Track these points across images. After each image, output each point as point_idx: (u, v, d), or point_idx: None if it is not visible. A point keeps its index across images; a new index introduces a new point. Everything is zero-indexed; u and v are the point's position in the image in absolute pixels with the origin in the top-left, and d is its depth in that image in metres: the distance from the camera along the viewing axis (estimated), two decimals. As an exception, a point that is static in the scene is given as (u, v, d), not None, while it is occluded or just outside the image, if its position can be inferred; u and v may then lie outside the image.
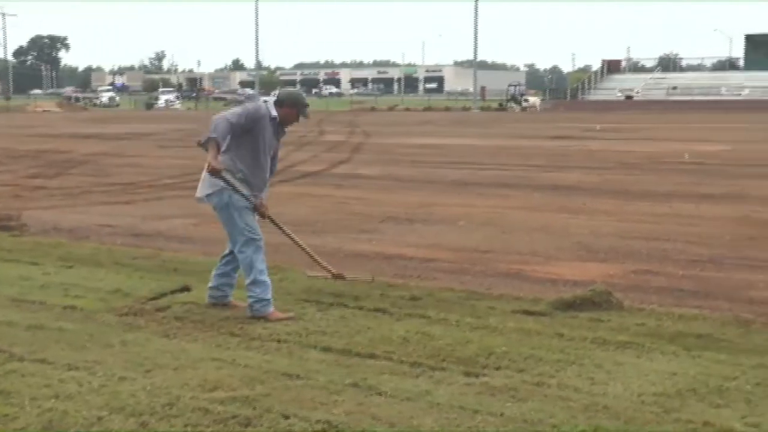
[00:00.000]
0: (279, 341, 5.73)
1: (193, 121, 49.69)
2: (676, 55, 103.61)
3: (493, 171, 18.86)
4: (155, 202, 13.85)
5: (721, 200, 13.49)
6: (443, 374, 5.02)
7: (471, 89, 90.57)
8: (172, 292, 7.08)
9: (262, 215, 6.50)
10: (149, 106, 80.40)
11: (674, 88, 73.77)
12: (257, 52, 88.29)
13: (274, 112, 6.39)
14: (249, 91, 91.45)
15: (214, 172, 6.11)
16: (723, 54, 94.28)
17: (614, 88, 76.87)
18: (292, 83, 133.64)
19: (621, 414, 4.37)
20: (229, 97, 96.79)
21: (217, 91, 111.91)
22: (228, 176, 6.19)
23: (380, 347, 5.54)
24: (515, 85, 78.46)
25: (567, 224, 11.13)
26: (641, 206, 12.90)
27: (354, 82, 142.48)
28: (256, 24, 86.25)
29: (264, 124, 6.31)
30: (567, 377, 4.97)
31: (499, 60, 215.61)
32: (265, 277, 6.29)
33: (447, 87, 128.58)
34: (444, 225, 11.14)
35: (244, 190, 6.28)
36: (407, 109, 69.49)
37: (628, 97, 73.15)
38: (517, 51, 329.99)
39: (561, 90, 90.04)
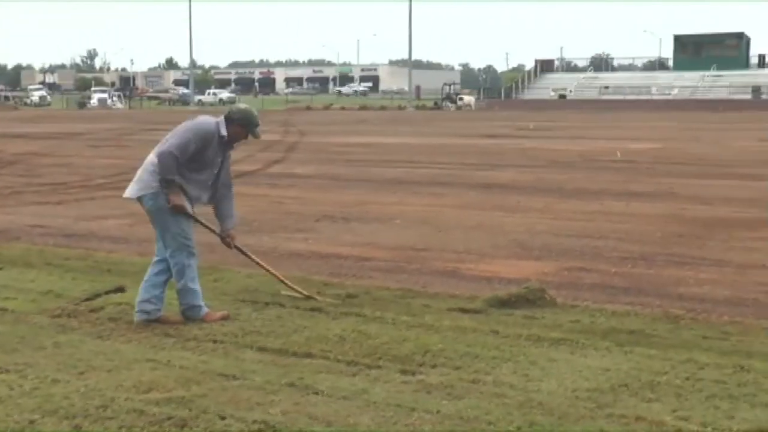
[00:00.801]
0: (215, 341, 5.69)
1: (126, 120, 49.02)
2: (608, 55, 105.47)
3: (429, 169, 18.95)
4: (87, 202, 13.62)
5: (651, 198, 13.75)
6: (380, 372, 5.03)
7: (406, 88, 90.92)
8: (106, 292, 6.97)
9: (228, 245, 6.48)
10: (81, 105, 78.97)
11: (606, 87, 75.05)
12: (191, 50, 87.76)
13: (223, 131, 6.18)
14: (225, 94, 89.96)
15: (176, 209, 6.01)
16: (653, 54, 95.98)
17: (547, 88, 77.87)
18: (227, 82, 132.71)
19: (555, 410, 4.43)
20: (162, 96, 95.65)
21: (150, 90, 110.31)
22: (189, 211, 6.10)
23: (317, 346, 5.53)
24: (450, 84, 78.97)
25: (502, 222, 11.25)
26: (574, 204, 13.09)
27: (289, 81, 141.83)
28: (190, 22, 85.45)
29: (211, 145, 6.12)
30: (502, 374, 5.02)
31: (434, 59, 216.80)
32: (196, 285, 6.15)
33: (382, 86, 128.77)
34: (379, 223, 11.17)
35: (207, 224, 6.29)
36: (343, 108, 69.46)
37: (562, 97, 74.18)
38: (451, 50, 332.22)
39: (495, 89, 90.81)
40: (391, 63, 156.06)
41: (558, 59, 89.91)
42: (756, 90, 68.03)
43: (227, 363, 5.22)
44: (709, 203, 13.06)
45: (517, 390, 4.74)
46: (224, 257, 8.89)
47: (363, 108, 69.34)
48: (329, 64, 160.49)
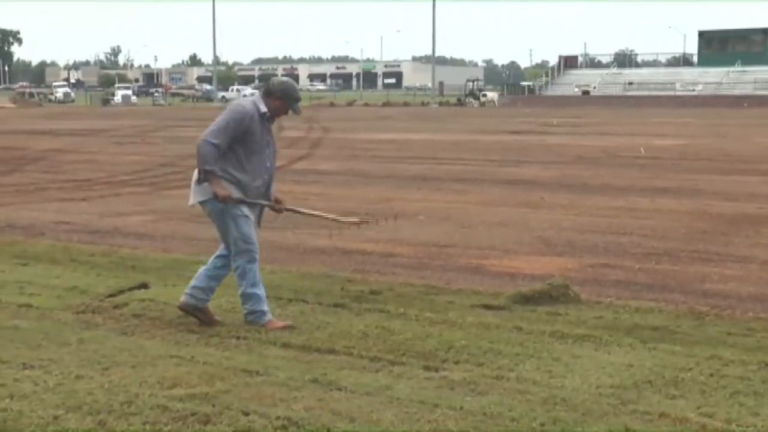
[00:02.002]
0: (238, 338, 5.71)
1: (149, 117, 49.30)
2: (632, 51, 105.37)
3: (452, 166, 18.91)
4: (112, 198, 13.70)
5: (675, 194, 13.66)
6: (403, 369, 5.03)
7: (429, 84, 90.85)
8: (130, 289, 7.02)
9: (279, 210, 6.26)
10: (105, 102, 79.49)
11: (630, 83, 74.59)
12: (214, 47, 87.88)
13: (263, 107, 5.90)
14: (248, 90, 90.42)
15: (223, 200, 5.78)
16: (677, 50, 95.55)
17: (571, 84, 77.50)
18: (250, 78, 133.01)
19: (579, 406, 4.41)
20: (186, 92, 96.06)
21: (174, 87, 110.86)
22: (239, 196, 5.86)
23: (340, 342, 5.54)
24: (473, 81, 78.79)
25: (525, 219, 11.21)
26: (598, 200, 13.02)
27: (312, 77, 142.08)
28: (213, 19, 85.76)
29: (253, 126, 5.83)
30: (526, 370, 5.01)
31: (458, 55, 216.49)
32: (257, 289, 5.94)
33: (405, 82, 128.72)
34: (403, 220, 11.16)
35: (250, 197, 5.96)
36: (366, 105, 69.47)
37: (585, 93, 73.80)
38: (475, 46, 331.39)
39: (519, 85, 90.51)
40: (415, 59, 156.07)
41: (582, 55, 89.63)
42: (781, 85, 67.39)
43: (251, 359, 5.24)
44: (734, 199, 12.96)
45: (540, 386, 4.73)
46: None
47: (386, 104, 69.30)
48: (353, 60, 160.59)
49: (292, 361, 5.19)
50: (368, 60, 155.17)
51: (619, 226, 10.58)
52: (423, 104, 72.04)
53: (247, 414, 4.32)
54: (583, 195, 13.65)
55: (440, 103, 73.30)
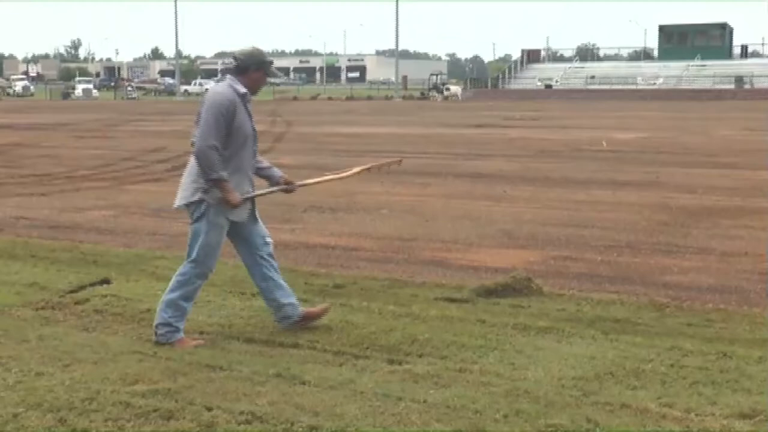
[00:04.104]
0: (202, 333, 5.68)
1: (112, 110, 48.84)
2: (594, 45, 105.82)
3: (416, 159, 18.92)
4: (73, 193, 13.55)
5: (637, 187, 13.79)
6: (367, 362, 5.04)
7: (393, 78, 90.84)
8: (92, 284, 6.95)
9: (293, 190, 5.87)
10: (66, 95, 78.58)
11: (592, 77, 75.13)
12: (177, 40, 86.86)
13: (241, 88, 5.42)
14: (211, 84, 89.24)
15: (237, 205, 5.40)
16: (638, 44, 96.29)
17: (534, 77, 77.92)
18: (213, 72, 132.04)
19: (541, 398, 4.45)
20: (148, 86, 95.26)
21: (136, 80, 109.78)
22: (246, 195, 5.51)
23: (304, 337, 5.54)
24: (437, 75, 78.94)
25: (488, 212, 11.26)
26: (561, 193, 13.12)
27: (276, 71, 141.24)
28: (176, 12, 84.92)
29: (237, 112, 5.36)
30: (489, 363, 5.04)
31: (421, 49, 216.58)
32: (188, 304, 5.52)
33: (369, 76, 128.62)
34: (367, 213, 11.17)
35: (264, 191, 5.69)
36: (329, 99, 69.33)
37: (548, 86, 74.27)
38: (438, 40, 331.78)
39: (482, 79, 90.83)
40: (378, 53, 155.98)
41: (544, 49, 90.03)
42: (739, 80, 68.26)
43: (214, 354, 5.21)
44: (694, 192, 13.12)
45: (503, 378, 4.76)
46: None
47: (350, 98, 69.24)
48: (316, 54, 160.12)
49: (256, 356, 5.18)
50: (332, 54, 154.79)
51: (581, 218, 10.67)
52: (387, 98, 72.09)
53: (210, 409, 4.31)
54: (546, 188, 13.74)
55: (404, 97, 73.36)
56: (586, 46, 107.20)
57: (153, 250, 8.59)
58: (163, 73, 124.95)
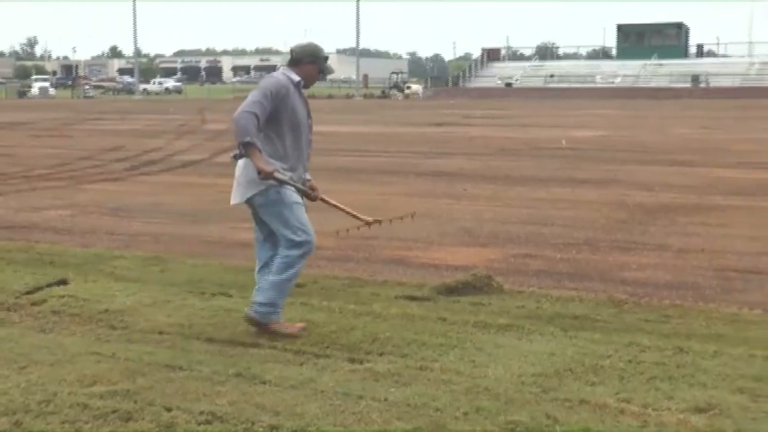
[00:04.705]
0: (161, 333, 5.63)
1: (69, 109, 48.27)
2: (553, 44, 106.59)
3: (377, 158, 18.96)
4: (29, 193, 13.38)
5: (595, 185, 13.92)
6: (327, 361, 5.03)
7: (354, 77, 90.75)
8: (49, 285, 6.86)
9: (314, 198, 5.68)
10: (22, 94, 77.52)
11: (552, 76, 75.65)
12: (135, 39, 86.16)
13: (295, 77, 5.47)
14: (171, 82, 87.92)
15: (267, 176, 5.25)
16: (597, 43, 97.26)
17: (494, 76, 78.29)
18: (173, 71, 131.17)
19: (501, 395, 4.47)
20: (107, 85, 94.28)
21: (94, 79, 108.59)
22: (280, 175, 5.35)
23: (264, 336, 5.51)
24: (398, 73, 79.03)
25: (449, 210, 11.30)
26: (521, 191, 13.20)
27: (236, 69, 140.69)
28: (134, 10, 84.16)
29: (290, 97, 5.38)
30: (449, 361, 5.06)
31: (382, 48, 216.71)
32: (291, 285, 5.54)
33: (330, 75, 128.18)
34: (328, 212, 11.12)
35: (294, 181, 5.49)
36: (290, 97, 69.00)
37: (508, 85, 74.63)
38: (399, 39, 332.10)
39: (443, 78, 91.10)
40: (339, 52, 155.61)
41: (504, 48, 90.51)
42: (695, 79, 69.14)
43: (174, 354, 5.18)
44: (651, 189, 13.26)
45: (463, 376, 4.77)
46: (169, 247, 8.84)
47: (311, 97, 68.93)
48: (277, 52, 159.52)
49: (216, 356, 5.15)
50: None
51: (540, 216, 10.74)
52: (347, 97, 72.03)
53: (170, 410, 4.27)
54: (506, 186, 13.82)
55: (365, 96, 73.36)
56: (545, 44, 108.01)
57: (111, 250, 8.51)
58: (122, 72, 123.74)
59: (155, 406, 4.32)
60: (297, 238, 5.42)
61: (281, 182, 5.38)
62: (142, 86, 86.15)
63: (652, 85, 69.32)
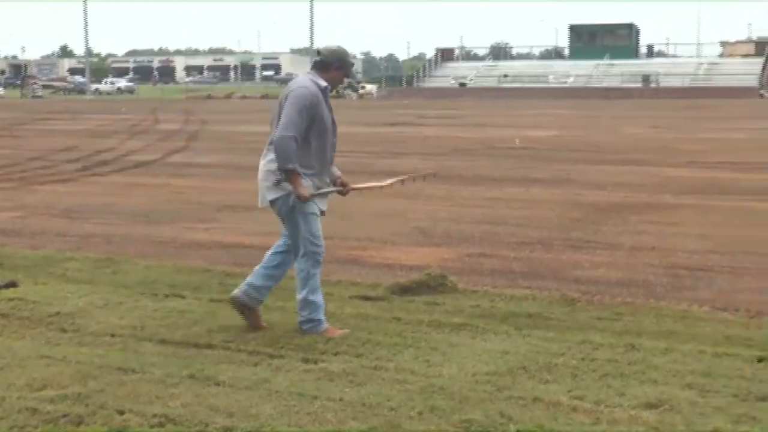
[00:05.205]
0: (113, 335, 5.57)
1: (17, 109, 47.56)
2: (507, 44, 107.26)
3: (331, 158, 18.91)
4: (-23, 194, 13.14)
5: (549, 184, 14.04)
6: (282, 362, 5.02)
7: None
8: (-3, 288, 6.75)
9: (346, 193, 5.94)
10: (-31, 93, 76.18)
11: (505, 75, 76.15)
12: (86, 38, 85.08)
13: (323, 82, 5.52)
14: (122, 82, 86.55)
15: (305, 200, 5.44)
16: (550, 43, 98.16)
17: (448, 76, 78.60)
18: (125, 71, 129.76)
19: (456, 394, 4.49)
20: (57, 84, 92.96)
21: (44, 78, 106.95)
22: (314, 193, 5.56)
23: (218, 337, 5.48)
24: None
25: (403, 210, 11.31)
26: (475, 191, 13.26)
27: (189, 69, 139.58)
28: (85, 9, 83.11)
29: (320, 105, 5.47)
30: (404, 360, 5.06)
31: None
32: (317, 297, 5.59)
33: (284, 74, 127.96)
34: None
35: (319, 188, 5.65)
36: (244, 97, 68.73)
37: (462, 85, 74.98)
38: (353, 39, 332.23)
39: (397, 78, 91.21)
40: (293, 51, 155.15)
41: (458, 48, 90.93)
42: (646, 78, 70.10)
43: (126, 357, 5.12)
44: (604, 188, 13.41)
45: (418, 375, 4.78)
46: (121, 248, 8.74)
47: (265, 97, 68.72)
48: (230, 52, 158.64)
49: (170, 358, 5.10)
50: (246, 52, 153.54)
51: (495, 216, 10.81)
52: (302, 96, 71.71)
53: (122, 413, 4.23)
54: (460, 186, 13.87)
55: (319, 95, 73.04)
56: (499, 44, 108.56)
57: (62, 252, 8.39)
58: (73, 72, 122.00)
59: (107, 410, 4.27)
60: (306, 249, 5.55)
61: (317, 196, 5.59)
62: (94, 86, 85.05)
63: (604, 84, 70.09)
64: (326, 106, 5.56)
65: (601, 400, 4.41)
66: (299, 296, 5.61)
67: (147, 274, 7.30)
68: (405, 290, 6.69)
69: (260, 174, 5.61)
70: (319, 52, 5.66)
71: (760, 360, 5.03)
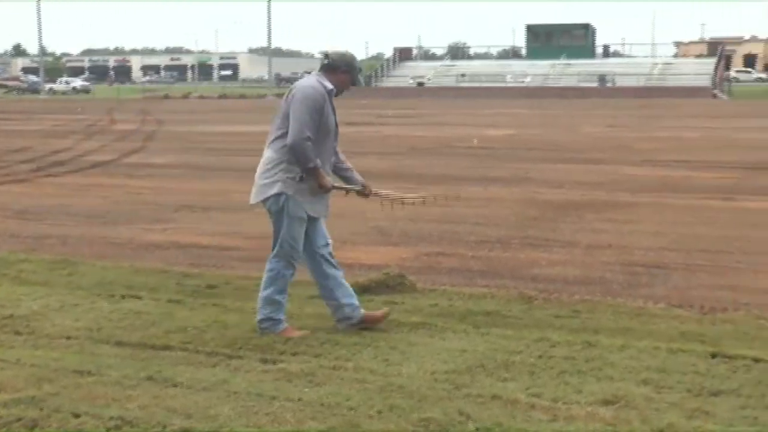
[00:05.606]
0: (69, 338, 5.51)
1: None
2: (465, 43, 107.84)
3: (290, 158, 18.85)
4: (-71, 195, 12.91)
5: (507, 183, 14.13)
6: (240, 362, 4.99)
7: (266, 76, 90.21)
8: (-51, 291, 6.64)
9: (368, 196, 6.09)
10: None
11: (463, 75, 76.43)
12: (40, 37, 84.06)
13: (329, 85, 5.53)
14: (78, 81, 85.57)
15: (328, 190, 5.64)
16: (507, 43, 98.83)
17: (406, 75, 78.72)
18: (80, 70, 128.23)
19: (415, 392, 4.50)
20: (11, 84, 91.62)
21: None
22: (336, 184, 5.71)
23: (176, 338, 5.45)
24: (309, 72, 78.68)
25: (362, 209, 11.27)
26: (433, 190, 13.26)
27: (146, 69, 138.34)
28: (38, 7, 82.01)
29: (326, 107, 5.51)
30: (363, 360, 5.07)
31: (294, 47, 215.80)
32: (282, 297, 5.61)
33: (242, 74, 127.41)
34: (241, 213, 11.04)
35: (343, 183, 5.82)
36: (201, 97, 68.28)
37: (420, 84, 75.14)
38: (311, 38, 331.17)
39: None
40: (251, 51, 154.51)
41: (416, 47, 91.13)
42: (602, 78, 70.80)
43: (82, 359, 5.06)
44: (561, 187, 13.53)
45: (377, 375, 4.79)
46: (77, 249, 8.64)
47: (222, 96, 68.36)
48: (187, 52, 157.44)
49: (127, 359, 5.06)
50: (203, 52, 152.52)
51: (453, 215, 10.84)
52: (260, 96, 71.48)
53: (78, 416, 4.18)
54: (418, 185, 13.86)
55: (277, 95, 72.87)
56: (457, 44, 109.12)
57: (16, 253, 8.27)
58: (27, 71, 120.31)
59: (62, 413, 4.22)
60: (283, 249, 5.59)
61: (340, 189, 5.78)
62: (48, 86, 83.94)
63: (561, 84, 70.65)
64: (331, 109, 5.58)
65: (559, 397, 4.45)
66: (263, 294, 5.61)
67: (103, 275, 7.23)
68: (364, 290, 6.68)
69: (258, 169, 5.68)
70: (327, 55, 5.66)
71: (714, 356, 5.11)
